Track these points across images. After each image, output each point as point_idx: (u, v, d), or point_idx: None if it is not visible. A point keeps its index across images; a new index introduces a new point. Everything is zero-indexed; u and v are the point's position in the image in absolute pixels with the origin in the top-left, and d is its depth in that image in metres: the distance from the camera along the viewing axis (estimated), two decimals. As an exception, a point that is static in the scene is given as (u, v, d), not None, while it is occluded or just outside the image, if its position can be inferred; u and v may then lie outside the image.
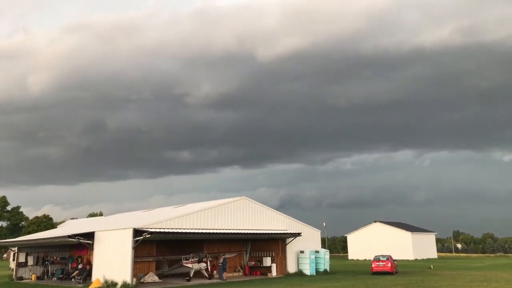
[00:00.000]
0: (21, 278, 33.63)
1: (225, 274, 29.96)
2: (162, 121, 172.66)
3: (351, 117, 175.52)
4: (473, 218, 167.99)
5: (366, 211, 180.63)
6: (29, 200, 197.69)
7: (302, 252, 33.70)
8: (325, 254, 35.21)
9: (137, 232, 24.50)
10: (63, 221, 69.91)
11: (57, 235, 30.37)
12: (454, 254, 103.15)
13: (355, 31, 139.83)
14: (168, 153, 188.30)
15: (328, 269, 34.79)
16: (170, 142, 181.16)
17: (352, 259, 70.67)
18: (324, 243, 59.56)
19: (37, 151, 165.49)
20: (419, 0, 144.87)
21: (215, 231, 28.31)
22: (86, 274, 28.83)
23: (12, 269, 36.24)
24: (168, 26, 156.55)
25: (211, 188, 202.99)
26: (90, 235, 26.85)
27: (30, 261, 34.53)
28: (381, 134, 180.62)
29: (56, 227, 57.58)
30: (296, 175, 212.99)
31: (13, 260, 36.75)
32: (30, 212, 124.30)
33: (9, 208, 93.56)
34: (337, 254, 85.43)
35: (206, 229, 27.98)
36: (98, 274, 25.91)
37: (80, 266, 31.14)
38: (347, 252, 78.53)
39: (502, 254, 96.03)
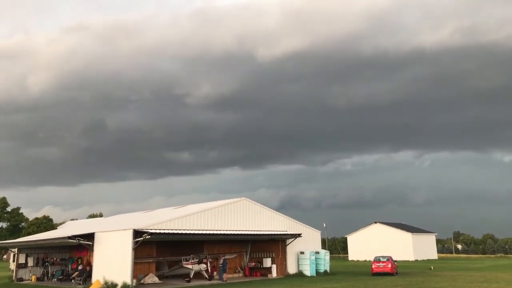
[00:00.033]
0: (21, 279, 33.57)
1: (225, 275, 29.93)
2: (162, 122, 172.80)
3: (351, 117, 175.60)
4: (473, 219, 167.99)
5: (366, 212, 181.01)
6: (29, 201, 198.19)
7: (302, 253, 33.70)
8: (325, 255, 35.25)
9: (137, 233, 24.49)
10: (63, 222, 69.73)
11: (57, 236, 30.31)
12: (454, 255, 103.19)
13: (355, 32, 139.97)
14: (168, 154, 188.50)
15: (328, 270, 34.81)
16: (170, 142, 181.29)
17: (352, 260, 70.65)
18: (324, 244, 59.62)
19: (37, 152, 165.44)
20: (419, 0, 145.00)
21: (215, 232, 28.30)
22: (86, 275, 28.79)
23: (12, 270, 36.16)
24: (168, 26, 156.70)
25: (211, 189, 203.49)
26: (90, 236, 26.84)
27: (30, 262, 34.44)
28: (381, 134, 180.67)
29: (56, 228, 57.62)
30: (296, 176, 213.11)
31: (13, 261, 36.68)
32: (30, 213, 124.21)
33: (9, 209, 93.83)
34: (337, 255, 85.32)
35: (206, 230, 27.98)
36: (98, 275, 25.88)
37: (80, 267, 31.08)
38: (347, 253, 78.54)
39: (503, 255, 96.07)
